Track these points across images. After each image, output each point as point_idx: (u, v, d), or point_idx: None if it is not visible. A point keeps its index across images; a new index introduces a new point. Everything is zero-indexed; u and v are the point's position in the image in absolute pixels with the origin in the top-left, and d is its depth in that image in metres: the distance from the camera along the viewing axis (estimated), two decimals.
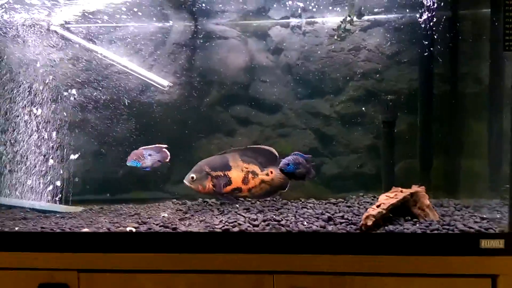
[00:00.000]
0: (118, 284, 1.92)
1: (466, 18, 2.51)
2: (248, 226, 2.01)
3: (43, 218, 2.41)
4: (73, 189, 2.65)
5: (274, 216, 2.13)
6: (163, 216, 2.28)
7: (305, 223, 2.01)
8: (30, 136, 2.64)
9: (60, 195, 2.65)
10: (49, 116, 2.67)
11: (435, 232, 1.86)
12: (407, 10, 2.56)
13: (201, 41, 2.75)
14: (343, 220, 2.04)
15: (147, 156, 2.44)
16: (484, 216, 2.04)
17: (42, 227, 2.16)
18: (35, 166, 2.65)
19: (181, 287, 1.88)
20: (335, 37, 2.63)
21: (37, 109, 2.65)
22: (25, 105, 2.64)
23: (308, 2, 2.57)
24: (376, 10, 2.59)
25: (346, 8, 2.57)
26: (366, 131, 2.67)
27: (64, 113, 2.69)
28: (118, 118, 2.74)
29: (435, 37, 2.48)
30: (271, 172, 2.41)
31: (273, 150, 2.43)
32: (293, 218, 2.12)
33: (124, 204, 2.64)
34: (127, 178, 2.76)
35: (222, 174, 2.37)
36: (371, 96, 2.64)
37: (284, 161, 2.14)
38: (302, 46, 2.68)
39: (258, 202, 2.45)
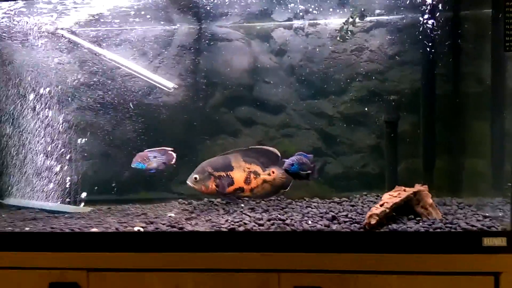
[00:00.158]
0: (127, 283, 1.95)
1: (468, 18, 2.52)
2: (254, 226, 2.04)
3: (53, 218, 2.44)
4: (82, 189, 2.70)
5: (279, 216, 2.16)
6: (170, 216, 2.31)
7: (310, 222, 2.04)
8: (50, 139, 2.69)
9: (73, 196, 2.69)
10: (62, 119, 2.72)
11: (438, 230, 1.88)
12: (409, 11, 2.58)
13: (206, 43, 2.78)
14: (347, 219, 2.07)
15: (152, 158, 2.47)
16: (487, 214, 2.06)
17: (52, 227, 2.20)
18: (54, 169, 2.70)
19: (189, 285, 1.91)
20: (338, 38, 2.66)
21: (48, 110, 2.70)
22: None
23: (309, 5, 2.60)
24: (378, 11, 2.61)
25: (350, 9, 2.59)
26: (369, 131, 2.69)
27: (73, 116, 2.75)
28: (126, 119, 2.78)
29: (437, 37, 2.50)
30: (273, 172, 2.44)
31: (275, 150, 2.46)
32: (301, 217, 2.13)
33: (131, 204, 2.68)
34: (133, 178, 2.79)
35: (225, 175, 2.39)
36: (374, 96, 2.67)
37: (288, 161, 2.18)
38: (305, 47, 2.71)
39: (263, 202, 2.48)
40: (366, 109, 2.68)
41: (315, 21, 2.69)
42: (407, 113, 2.60)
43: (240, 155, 2.44)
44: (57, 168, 2.70)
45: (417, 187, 2.14)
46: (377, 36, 2.65)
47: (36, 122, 2.69)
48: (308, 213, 2.23)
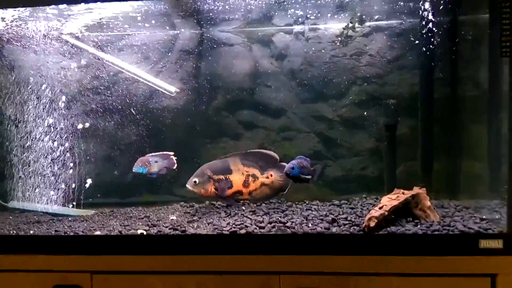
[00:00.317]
0: (130, 285, 1.98)
1: (466, 23, 2.55)
2: (255, 228, 2.07)
3: (56, 221, 2.47)
4: (85, 192, 2.72)
5: (279, 218, 2.19)
6: (172, 219, 2.34)
7: (310, 225, 2.07)
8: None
9: (77, 199, 2.71)
10: (66, 124, 2.75)
11: (436, 232, 1.91)
12: (408, 17, 2.61)
13: (208, 48, 2.82)
14: (347, 222, 2.09)
15: (154, 163, 2.49)
16: (484, 216, 2.08)
17: (56, 230, 2.23)
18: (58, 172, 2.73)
19: (191, 287, 1.94)
20: (338, 43, 2.69)
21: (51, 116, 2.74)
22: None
23: (309, 10, 2.63)
24: (377, 16, 2.64)
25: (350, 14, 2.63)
26: (368, 135, 2.72)
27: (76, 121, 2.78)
28: (128, 123, 2.82)
29: (435, 42, 2.53)
30: (271, 175, 2.47)
31: (273, 154, 2.50)
32: (302, 219, 2.16)
33: (133, 207, 2.71)
34: (136, 182, 2.82)
35: (224, 178, 2.43)
36: (373, 100, 2.69)
37: (289, 165, 2.21)
38: (306, 52, 2.74)
39: (264, 205, 2.51)
40: (365, 112, 2.71)
41: (315, 26, 2.72)
42: (406, 116, 2.63)
43: (238, 159, 2.48)
44: (60, 171, 2.73)
45: (416, 189, 2.15)
46: (376, 40, 2.68)
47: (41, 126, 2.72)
48: (308, 215, 2.25)
